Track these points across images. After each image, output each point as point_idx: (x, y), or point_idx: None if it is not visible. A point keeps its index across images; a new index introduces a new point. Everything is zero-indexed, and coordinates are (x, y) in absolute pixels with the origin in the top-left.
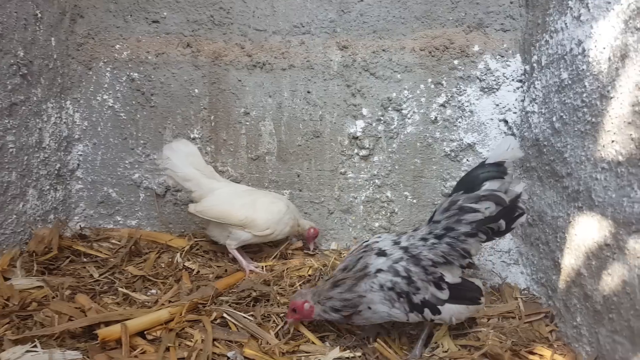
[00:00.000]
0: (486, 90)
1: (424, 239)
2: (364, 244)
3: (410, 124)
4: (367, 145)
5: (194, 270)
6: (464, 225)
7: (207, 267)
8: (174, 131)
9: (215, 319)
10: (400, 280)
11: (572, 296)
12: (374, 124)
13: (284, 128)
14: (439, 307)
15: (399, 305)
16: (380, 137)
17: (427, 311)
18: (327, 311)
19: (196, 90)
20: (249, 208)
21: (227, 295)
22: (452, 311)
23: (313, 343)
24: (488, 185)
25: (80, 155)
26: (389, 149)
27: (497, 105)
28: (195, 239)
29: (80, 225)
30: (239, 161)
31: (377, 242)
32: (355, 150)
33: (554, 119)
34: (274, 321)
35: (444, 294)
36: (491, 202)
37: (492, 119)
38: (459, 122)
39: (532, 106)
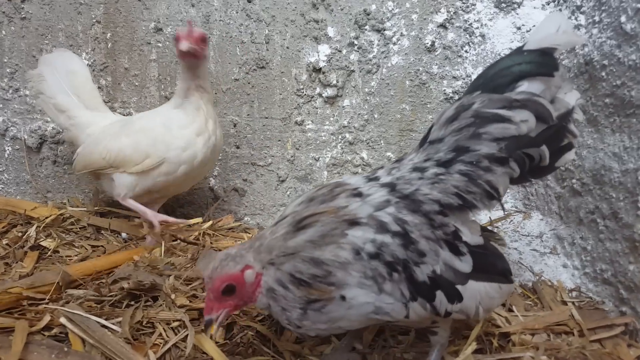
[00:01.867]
0: (503, 5)
1: (418, 170)
2: (324, 185)
3: (396, 53)
4: (334, 82)
5: (48, 249)
6: (486, 142)
7: (76, 248)
8: None
9: (46, 328)
10: (391, 239)
11: None
12: (344, 51)
13: (214, 53)
14: (459, 286)
15: (391, 288)
16: (353, 71)
17: (440, 297)
18: (285, 283)
19: None
20: (113, 139)
21: (86, 287)
22: (479, 294)
23: None
24: (526, 86)
25: None
26: (366, 89)
27: (519, 28)
28: (72, 209)
29: None
30: (147, 100)
31: (345, 181)
32: (317, 90)
33: (623, 18)
34: (160, 336)
35: (465, 263)
36: (530, 112)
37: (511, 48)
38: (466, 51)
39: (576, 18)
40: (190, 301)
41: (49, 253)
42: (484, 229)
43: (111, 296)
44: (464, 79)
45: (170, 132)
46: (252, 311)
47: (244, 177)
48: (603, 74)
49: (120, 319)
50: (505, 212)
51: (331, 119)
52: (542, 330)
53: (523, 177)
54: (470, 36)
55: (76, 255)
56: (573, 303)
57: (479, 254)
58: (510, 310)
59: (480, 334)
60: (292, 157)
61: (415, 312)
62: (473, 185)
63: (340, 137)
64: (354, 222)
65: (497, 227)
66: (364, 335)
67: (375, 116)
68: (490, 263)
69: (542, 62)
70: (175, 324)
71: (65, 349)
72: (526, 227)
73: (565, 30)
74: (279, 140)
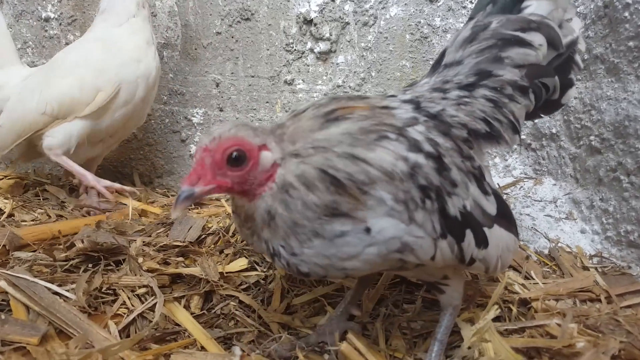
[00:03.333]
0: None
1: (439, 90)
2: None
3: (395, 3)
4: (328, 36)
5: (2, 211)
6: (509, 68)
7: (34, 213)
8: (14, 6)
9: None
10: (425, 160)
11: None
12: (337, 1)
13: (193, 4)
14: (486, 229)
15: (423, 218)
16: (347, 23)
17: (469, 238)
18: (311, 181)
19: None
20: (47, 87)
21: (40, 251)
22: (501, 243)
23: (202, 349)
24: (535, 6)
25: None
26: (362, 44)
27: None
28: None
29: None
30: None
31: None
32: (309, 44)
33: None
34: (123, 304)
35: (492, 204)
36: (543, 36)
37: None
38: (471, 1)
39: None
40: (160, 265)
41: (2, 217)
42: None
43: (66, 260)
44: None
45: (114, 50)
46: (235, 278)
47: None
48: (626, 14)
49: (75, 285)
50: (515, 178)
51: (324, 77)
52: (566, 296)
53: (534, 113)
54: None
55: (33, 221)
56: (596, 269)
57: (499, 198)
58: (528, 277)
59: (497, 300)
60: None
61: (442, 254)
62: (500, 113)
63: None
64: (396, 128)
65: (506, 194)
66: (363, 303)
67: (373, 74)
68: (509, 212)
69: None
70: (142, 290)
71: (2, 317)
72: (538, 193)
73: None
74: (267, 102)
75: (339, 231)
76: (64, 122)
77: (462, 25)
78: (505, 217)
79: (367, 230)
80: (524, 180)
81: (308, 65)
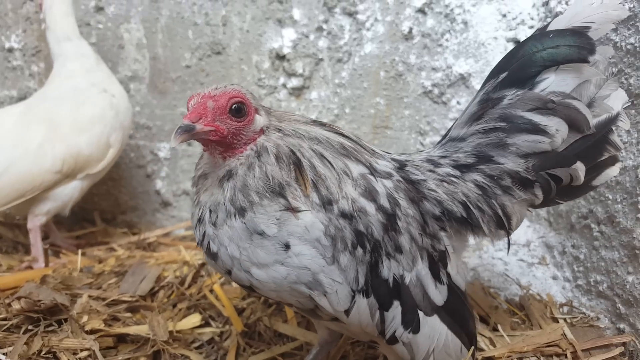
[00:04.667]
0: None
1: (432, 162)
2: None
3: (370, 40)
4: (301, 72)
5: None
6: (512, 157)
7: None
8: None
9: None
10: (374, 211)
11: None
12: (311, 37)
13: (162, 36)
14: (421, 314)
15: (348, 263)
16: (321, 59)
17: (395, 310)
18: (279, 153)
19: None
20: (63, 141)
21: None
22: (438, 339)
23: None
24: (552, 80)
25: None
26: (336, 80)
27: (504, 15)
28: None
29: None
30: None
31: None
32: (281, 80)
33: None
34: None
35: (440, 293)
36: (560, 119)
37: (496, 38)
38: (446, 39)
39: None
40: (106, 325)
41: None
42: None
43: (5, 320)
44: (444, 71)
45: (115, 102)
46: (187, 335)
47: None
48: None
49: (11, 346)
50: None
51: (297, 113)
52: (531, 352)
53: (550, 201)
54: (451, 23)
55: None
56: (565, 320)
57: (457, 296)
58: (495, 329)
59: None
60: None
61: (359, 313)
62: (484, 203)
63: None
64: (378, 173)
65: None
66: None
67: (347, 111)
68: (464, 315)
69: (572, 45)
70: (84, 354)
71: None
72: (512, 235)
73: (604, 1)
74: None
75: (261, 229)
76: (73, 180)
77: (437, 63)
78: (455, 318)
79: (287, 246)
80: None
81: (280, 101)
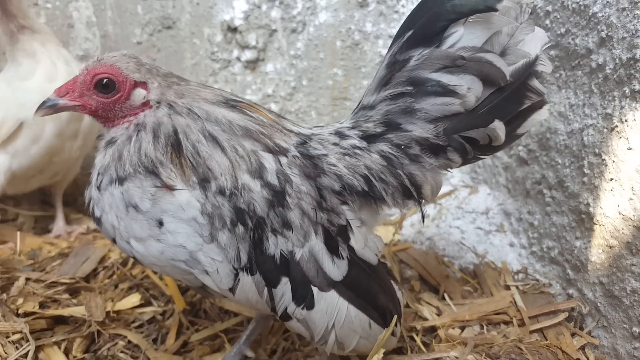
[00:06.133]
0: None
1: (339, 135)
2: None
3: (324, 8)
4: (254, 44)
5: None
6: (420, 123)
7: None
8: None
9: None
10: (259, 188)
11: (625, 277)
12: (263, 7)
13: (112, 13)
14: (315, 290)
15: (227, 241)
16: (275, 30)
17: (285, 287)
18: (159, 132)
19: None
20: None
21: None
22: (337, 314)
23: None
24: (461, 34)
25: None
26: (291, 51)
27: None
28: None
29: None
30: None
31: None
32: (235, 53)
33: None
34: None
35: (337, 268)
36: (473, 77)
37: None
38: (402, 5)
39: None
40: (44, 307)
41: None
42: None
43: None
44: None
45: (12, 88)
46: (127, 315)
47: None
48: (547, 22)
49: None
50: (453, 187)
51: (253, 87)
52: (476, 321)
53: (473, 158)
54: None
55: None
56: (517, 287)
57: (361, 271)
58: (445, 298)
59: (402, 328)
60: None
61: (245, 291)
62: (389, 174)
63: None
64: (278, 149)
65: (439, 204)
66: (264, 337)
67: (304, 83)
68: (371, 291)
69: None
70: (16, 336)
71: None
72: (471, 203)
73: None
74: None
75: (135, 202)
76: None
77: (394, 30)
78: (358, 293)
79: (160, 223)
80: (460, 189)
81: (235, 75)
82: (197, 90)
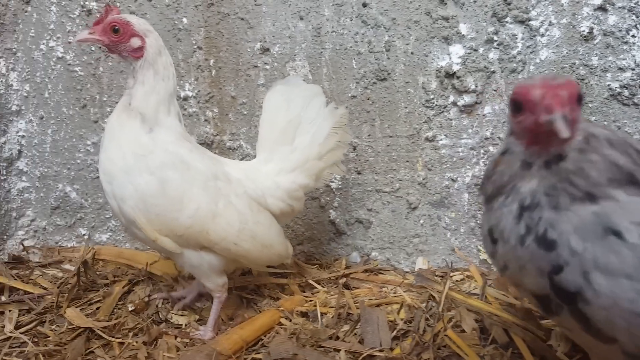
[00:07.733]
0: None
1: None
2: None
3: (545, 46)
4: (472, 87)
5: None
6: None
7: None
8: None
9: None
10: None
11: None
12: (481, 50)
13: (327, 69)
14: None
15: None
16: (493, 72)
17: None
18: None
19: (184, 20)
20: None
21: None
22: None
23: None
24: None
25: (22, 136)
26: (510, 92)
27: None
28: None
29: (23, 244)
30: (257, 130)
31: None
32: (451, 98)
33: None
34: None
35: None
36: None
37: None
38: (633, 35)
39: None
40: None
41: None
42: None
43: None
44: (632, 70)
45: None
46: None
47: (369, 206)
48: None
49: None
50: None
51: (469, 130)
52: None
53: None
54: (637, 17)
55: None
56: None
57: None
58: None
59: None
60: (423, 179)
61: None
62: None
63: (482, 151)
64: None
65: None
66: None
67: None
68: None
69: None
70: None
71: None
72: None
73: None
74: (407, 161)
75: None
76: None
77: (623, 62)
78: None
79: None
80: None
81: (451, 120)
82: None
